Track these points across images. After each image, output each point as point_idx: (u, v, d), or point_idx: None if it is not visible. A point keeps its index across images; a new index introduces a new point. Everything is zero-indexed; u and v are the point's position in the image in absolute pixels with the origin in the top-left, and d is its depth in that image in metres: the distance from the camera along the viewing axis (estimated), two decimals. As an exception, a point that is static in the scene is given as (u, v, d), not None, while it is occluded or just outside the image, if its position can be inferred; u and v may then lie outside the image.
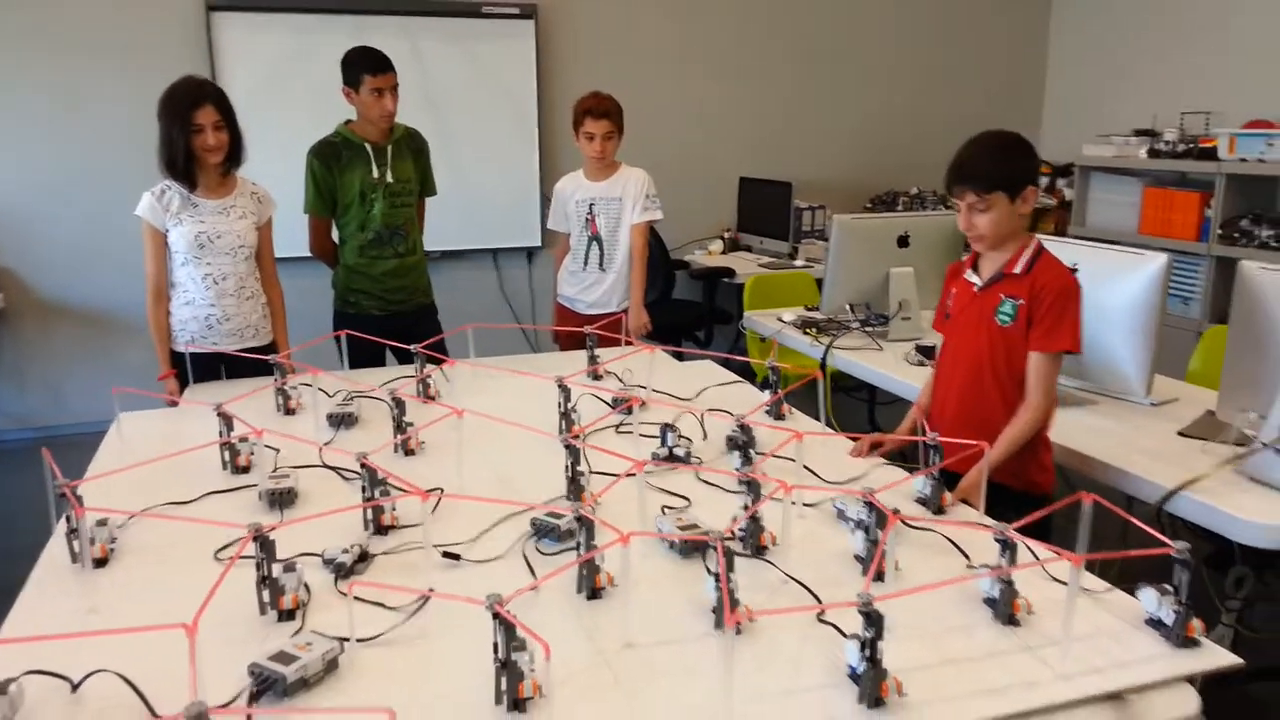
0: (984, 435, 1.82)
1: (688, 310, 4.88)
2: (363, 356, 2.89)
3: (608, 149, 3.33)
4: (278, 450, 2.07)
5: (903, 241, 3.24)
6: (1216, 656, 1.32)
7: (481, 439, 2.14)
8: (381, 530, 1.71)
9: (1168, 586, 1.38)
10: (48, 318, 4.57)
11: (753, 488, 1.62)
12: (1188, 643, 1.34)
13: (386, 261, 3.19)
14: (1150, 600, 1.39)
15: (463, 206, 4.86)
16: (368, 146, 3.11)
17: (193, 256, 2.68)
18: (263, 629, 1.40)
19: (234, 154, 2.67)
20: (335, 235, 3.27)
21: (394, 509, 1.73)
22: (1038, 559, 1.56)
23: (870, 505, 1.54)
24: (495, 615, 1.19)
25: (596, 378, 2.68)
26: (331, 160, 3.10)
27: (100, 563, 1.59)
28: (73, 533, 1.58)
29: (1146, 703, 1.25)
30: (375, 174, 3.11)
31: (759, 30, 5.37)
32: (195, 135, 2.57)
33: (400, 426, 2.09)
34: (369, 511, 1.71)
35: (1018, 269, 2.04)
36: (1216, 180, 4.47)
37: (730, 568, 1.36)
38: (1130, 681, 1.27)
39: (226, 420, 1.99)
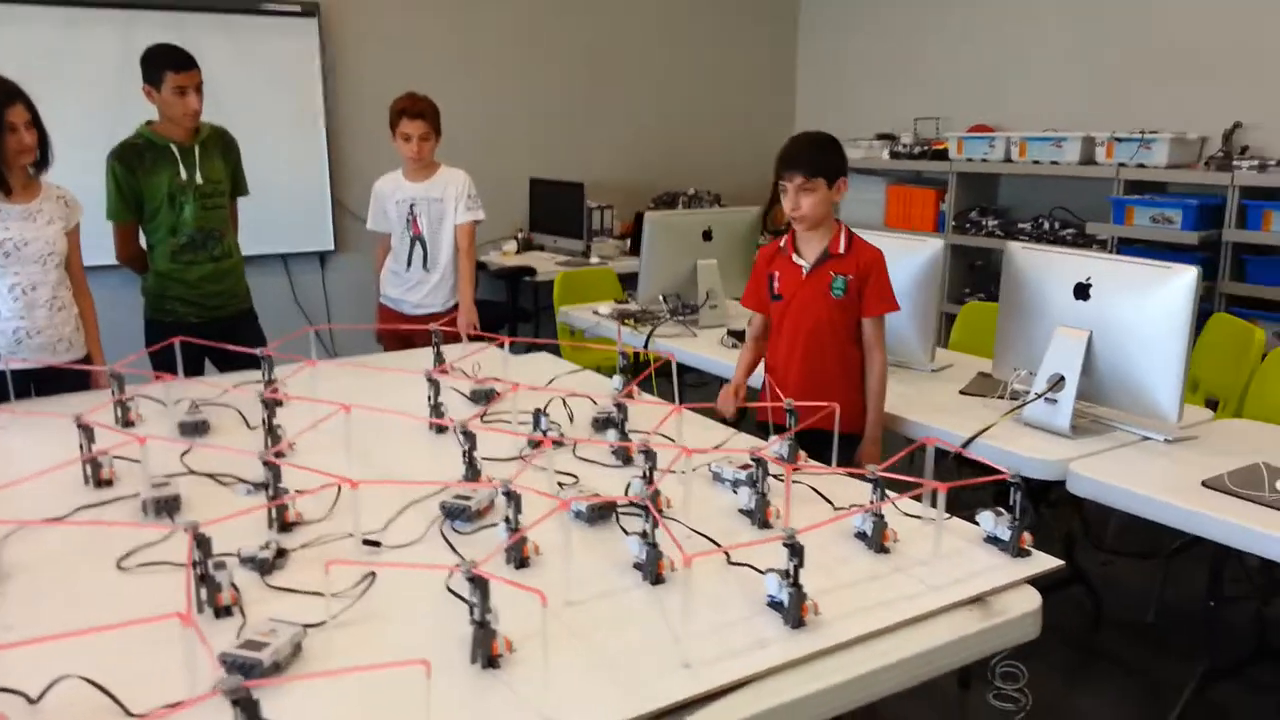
0: (827, 395, 2.10)
1: (491, 309, 4.94)
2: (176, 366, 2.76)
3: (424, 149, 3.37)
4: (137, 460, 1.98)
5: (707, 235, 3.52)
6: (1046, 561, 1.64)
7: (354, 435, 2.15)
8: (286, 528, 1.71)
9: (1001, 510, 1.68)
10: None
11: (650, 456, 1.78)
12: (1022, 553, 1.65)
13: (202, 266, 3.05)
14: (988, 521, 1.69)
15: (248, 210, 4.67)
16: (173, 147, 2.96)
17: None
18: (203, 627, 1.39)
19: (44, 155, 2.49)
20: (143, 240, 3.08)
21: (295, 506, 1.74)
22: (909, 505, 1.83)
23: (758, 461, 1.74)
24: (472, 578, 1.28)
25: (443, 374, 2.73)
26: (134, 163, 2.93)
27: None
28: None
29: (1002, 603, 1.53)
30: (183, 176, 2.97)
31: (544, 34, 5.53)
32: (8, 136, 2.37)
33: (272, 429, 2.06)
34: (273, 510, 1.71)
35: (841, 250, 2.41)
36: (949, 178, 5.14)
37: (656, 523, 1.52)
38: (986, 587, 1.55)
39: (87, 432, 1.89)
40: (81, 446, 1.89)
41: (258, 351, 2.40)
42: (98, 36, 4.30)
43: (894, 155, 5.45)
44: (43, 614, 1.44)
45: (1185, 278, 2.17)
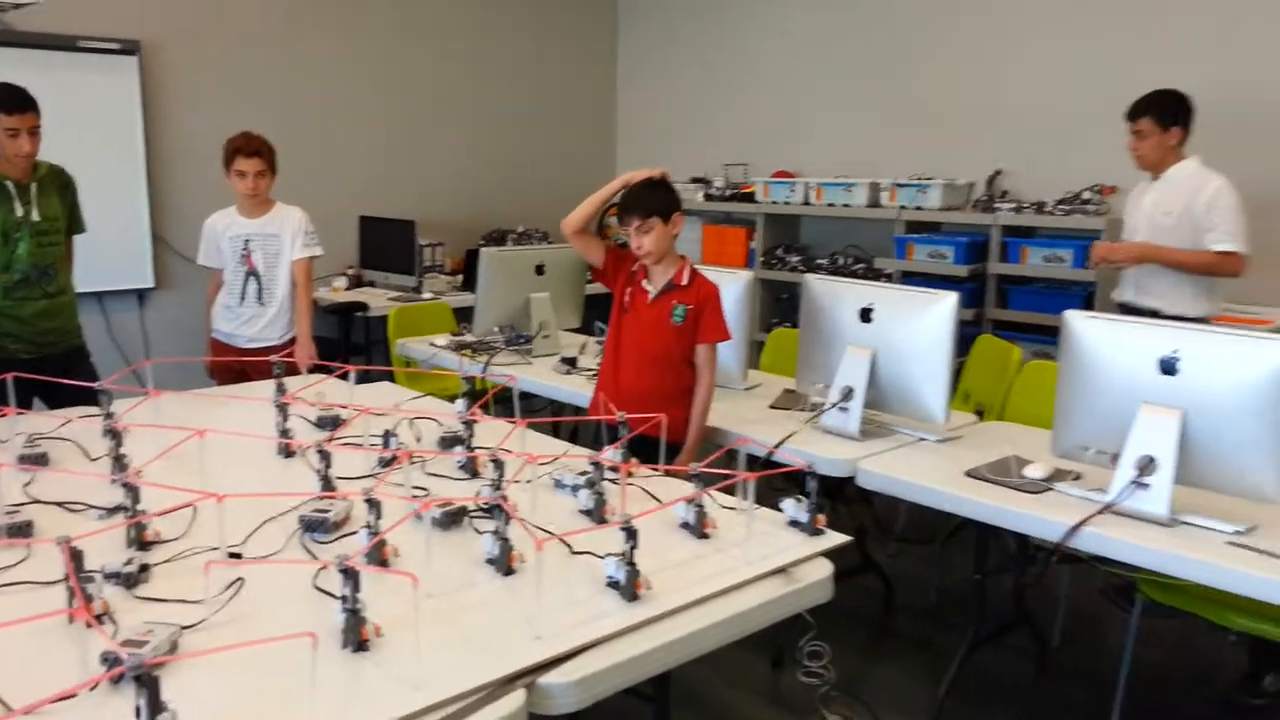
0: (659, 408, 2.35)
1: (324, 345, 4.94)
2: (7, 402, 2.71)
3: (260, 186, 3.43)
4: (-22, 493, 1.99)
5: (539, 270, 3.75)
6: (837, 538, 1.93)
7: (198, 461, 2.21)
8: (145, 546, 1.79)
9: (800, 497, 1.97)
10: None
11: (498, 465, 1.96)
12: (817, 532, 1.94)
13: (35, 303, 3.00)
14: (790, 507, 1.98)
15: (60, 246, 4.52)
16: (9, 184, 2.93)
17: None
18: (78, 637, 1.46)
19: None
20: None
21: (153, 525, 1.82)
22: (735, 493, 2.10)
23: (596, 465, 1.97)
24: (344, 570, 1.43)
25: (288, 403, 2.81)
26: None
27: None
28: None
29: (801, 572, 1.81)
30: (19, 212, 2.93)
31: (372, 75, 5.63)
32: None
33: (119, 459, 2.11)
34: (132, 530, 1.78)
35: (684, 282, 2.74)
36: (757, 218, 5.59)
37: (508, 518, 1.72)
38: (788, 559, 1.83)
39: (-73, 464, 1.89)
40: (-78, 478, 1.89)
41: (96, 385, 2.42)
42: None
43: (707, 197, 5.87)
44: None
45: (947, 303, 2.57)
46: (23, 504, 1.97)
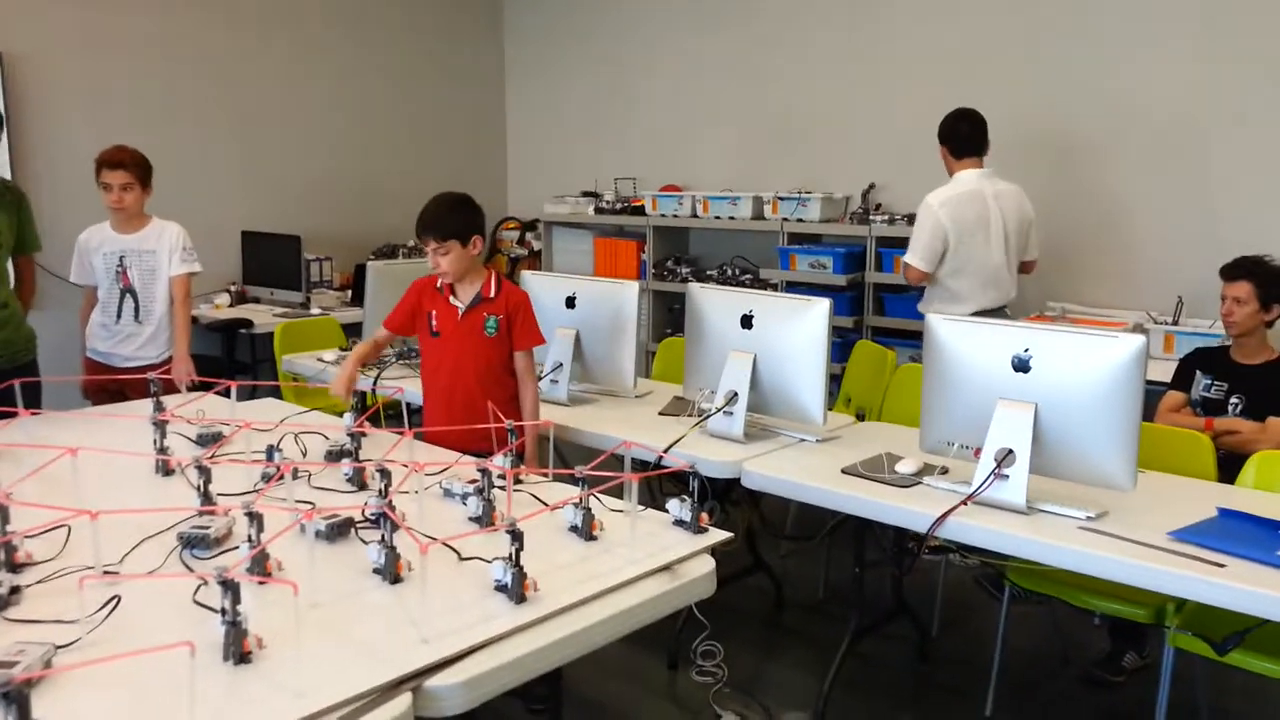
0: (483, 417, 2.40)
1: (207, 364, 4.80)
2: None
3: (125, 199, 3.34)
4: None
5: (428, 283, 3.74)
6: (718, 535, 2.00)
7: (72, 482, 2.15)
8: (15, 569, 1.73)
9: (684, 497, 2.04)
10: None
11: (385, 474, 1.97)
12: (701, 530, 2.01)
13: None
14: (675, 507, 2.04)
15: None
16: None
17: None
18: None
19: None
20: None
21: (24, 546, 1.76)
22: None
23: (484, 473, 2.00)
24: (224, 581, 1.42)
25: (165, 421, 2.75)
26: None
27: None
28: None
29: (685, 568, 1.88)
30: None
31: (251, 86, 5.50)
32: None
33: (-15, 479, 2.03)
34: (2, 551, 1.73)
35: (491, 294, 2.78)
36: (647, 231, 5.68)
37: (395, 526, 1.73)
38: (673, 557, 1.89)
39: None
40: None
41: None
42: None
43: (598, 210, 5.94)
44: None
45: (820, 308, 2.69)
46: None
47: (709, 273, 5.45)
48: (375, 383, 3.37)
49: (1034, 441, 2.23)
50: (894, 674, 3.08)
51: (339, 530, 1.93)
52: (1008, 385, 2.27)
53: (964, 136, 3.73)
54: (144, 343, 3.44)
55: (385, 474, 1.97)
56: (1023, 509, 2.21)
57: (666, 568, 1.86)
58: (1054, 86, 4.44)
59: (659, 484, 2.90)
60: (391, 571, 1.74)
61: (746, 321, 2.82)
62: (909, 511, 2.27)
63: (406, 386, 3.30)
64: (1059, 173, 4.44)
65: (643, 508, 2.09)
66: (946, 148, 3.78)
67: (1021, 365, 2.26)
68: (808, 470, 2.54)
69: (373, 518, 1.94)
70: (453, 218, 2.72)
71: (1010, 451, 2.23)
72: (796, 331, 2.72)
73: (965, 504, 2.23)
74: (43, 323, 4.68)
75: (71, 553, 1.82)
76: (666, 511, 2.07)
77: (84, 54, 4.84)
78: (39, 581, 1.69)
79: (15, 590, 1.63)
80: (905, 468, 2.45)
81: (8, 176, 4.50)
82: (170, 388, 3.23)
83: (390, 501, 1.86)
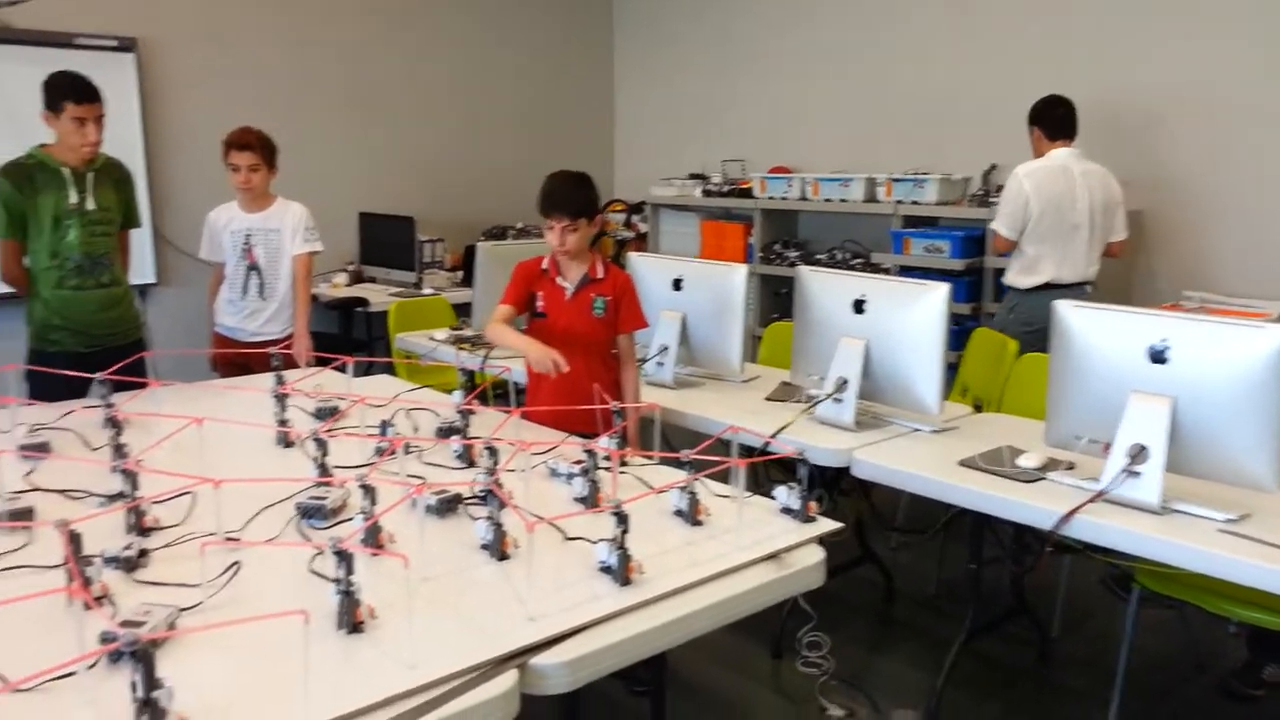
0: (589, 399, 2.41)
1: (325, 340, 4.97)
2: (61, 396, 2.72)
3: (253, 180, 3.45)
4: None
5: (536, 264, 3.76)
6: (828, 525, 1.95)
7: (198, 451, 2.23)
8: (144, 532, 1.81)
9: (793, 485, 1.99)
10: None
11: (493, 452, 1.98)
12: (809, 519, 1.96)
13: (90, 293, 3.05)
14: (783, 495, 2.00)
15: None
16: (65, 171, 2.99)
17: None
18: (77, 618, 1.48)
19: None
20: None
21: (151, 511, 1.84)
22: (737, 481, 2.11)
23: (590, 453, 1.99)
24: (339, 552, 1.45)
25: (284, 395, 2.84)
26: (22, 182, 2.94)
27: None
28: None
29: (793, 558, 1.83)
30: (74, 200, 2.99)
31: (373, 71, 5.65)
32: None
33: (119, 447, 2.12)
34: (131, 515, 1.80)
35: (599, 275, 2.78)
36: (754, 214, 5.60)
37: (501, 504, 1.73)
38: (780, 545, 1.84)
39: (-71, 452, 1.91)
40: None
41: (96, 377, 2.44)
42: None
43: (705, 193, 5.88)
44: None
45: (938, 293, 2.58)
46: (24, 491, 1.99)
47: (818, 257, 5.33)
48: (484, 362, 3.41)
49: (1170, 437, 2.09)
50: (1011, 675, 2.96)
51: (448, 505, 1.95)
52: (1142, 377, 2.14)
53: (1058, 119, 3.82)
54: (268, 319, 3.56)
55: (493, 452, 1.98)
56: (1156, 508, 2.08)
57: (773, 556, 1.81)
58: (1194, 55, 4.16)
59: (764, 470, 2.85)
60: (498, 548, 1.74)
61: (859, 306, 2.73)
62: (1032, 507, 2.16)
63: (513, 366, 3.33)
64: (1200, 156, 4.17)
65: (749, 494, 2.05)
66: (1039, 129, 3.87)
67: (1158, 356, 2.12)
68: (922, 461, 2.45)
69: (480, 494, 1.95)
70: (580, 195, 2.73)
71: (1144, 447, 2.10)
72: (912, 317, 2.62)
73: (1094, 501, 2.11)
74: (169, 299, 4.95)
75: (196, 519, 1.89)
76: (773, 499, 2.02)
77: (213, 39, 5.04)
78: (165, 546, 1.75)
79: (144, 553, 1.69)
80: (1028, 462, 2.34)
81: (140, 157, 4.73)
82: (291, 363, 3.34)
83: (498, 479, 1.87)
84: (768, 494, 2.04)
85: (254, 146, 3.45)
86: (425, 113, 5.93)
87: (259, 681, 1.33)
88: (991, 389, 3.50)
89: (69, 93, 2.94)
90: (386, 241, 5.45)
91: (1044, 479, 2.29)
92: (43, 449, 2.25)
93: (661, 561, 1.74)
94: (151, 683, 1.16)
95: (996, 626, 2.88)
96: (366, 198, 5.63)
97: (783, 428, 2.62)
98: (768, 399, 3.04)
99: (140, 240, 4.81)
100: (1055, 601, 3.18)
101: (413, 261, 5.29)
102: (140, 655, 1.16)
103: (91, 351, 3.05)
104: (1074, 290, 3.69)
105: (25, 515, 1.83)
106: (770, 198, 5.48)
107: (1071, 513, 2.08)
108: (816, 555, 1.85)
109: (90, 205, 3.05)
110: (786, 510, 1.98)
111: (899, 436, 2.67)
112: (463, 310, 4.41)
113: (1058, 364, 2.32)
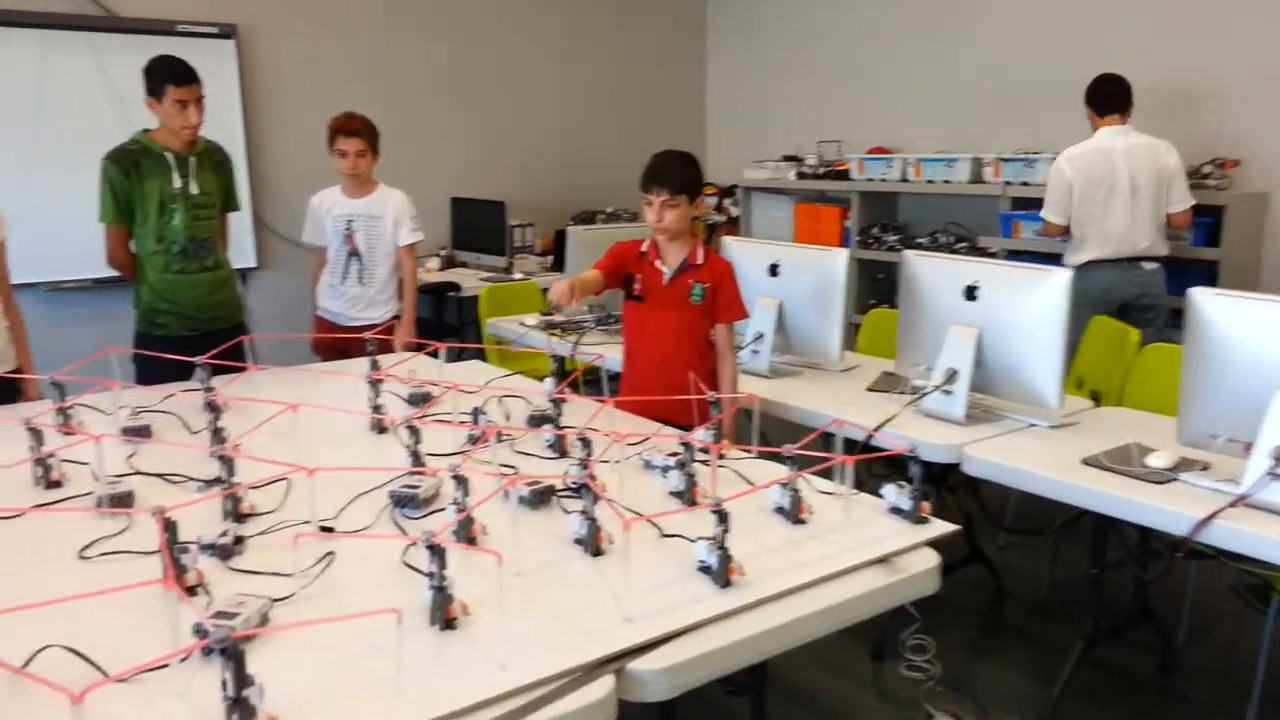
0: (684, 388, 2.29)
1: (418, 325, 5.00)
2: (167, 379, 2.77)
3: (360, 165, 3.47)
4: (83, 464, 2.04)
5: (628, 248, 3.69)
6: (942, 527, 1.83)
7: (293, 436, 2.23)
8: (240, 519, 1.80)
9: (902, 483, 1.87)
10: None
11: (586, 444, 1.91)
12: (921, 520, 1.84)
13: (195, 276, 3.11)
14: (891, 493, 1.88)
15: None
16: (169, 155, 3.04)
17: None
18: (172, 607, 1.47)
19: None
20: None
21: (248, 498, 1.83)
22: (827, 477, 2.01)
23: (687, 445, 1.90)
24: (431, 546, 1.40)
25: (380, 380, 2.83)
26: (129, 168, 3.00)
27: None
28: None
29: (904, 562, 1.72)
30: (178, 184, 3.04)
31: (464, 57, 5.66)
32: None
33: (217, 430, 2.13)
34: (228, 502, 1.80)
35: (698, 261, 2.66)
36: (851, 197, 5.42)
37: (595, 499, 1.67)
38: (891, 549, 1.73)
39: (36, 435, 1.94)
40: (31, 449, 1.94)
41: (198, 360, 2.46)
42: (13, 54, 4.30)
43: (800, 175, 5.73)
44: (11, 600, 1.49)
45: (1060, 279, 2.42)
46: (125, 475, 2.01)
47: (919, 240, 5.13)
48: (575, 348, 3.36)
49: (1324, 438, 1.90)
50: (1134, 684, 2.78)
51: (541, 497, 1.90)
52: (1294, 371, 1.95)
53: (1107, 95, 3.89)
54: (367, 304, 3.59)
55: (586, 443, 1.91)
56: (1307, 515, 1.89)
57: (884, 559, 1.71)
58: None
59: (866, 466, 2.72)
60: (593, 544, 1.68)
61: (970, 293, 2.58)
62: (1165, 510, 2.00)
63: (606, 353, 3.27)
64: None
65: (856, 492, 1.94)
66: (1091, 107, 3.93)
67: (1313, 348, 1.93)
68: (1041, 458, 2.29)
69: (574, 487, 1.89)
70: (684, 172, 2.63)
71: (1293, 448, 1.92)
72: (1030, 305, 2.45)
73: (1235, 505, 1.93)
74: (268, 282, 5.05)
75: (291, 506, 1.87)
76: (880, 497, 1.91)
77: (311, 26, 5.10)
78: (260, 533, 1.74)
79: (239, 540, 1.68)
80: (1158, 461, 2.17)
81: (240, 142, 4.82)
82: (386, 348, 3.33)
83: (592, 472, 1.80)
84: (872, 491, 1.93)
85: (361, 132, 3.47)
86: (516, 97, 5.91)
87: (348, 679, 1.29)
88: (1110, 381, 3.29)
89: (169, 76, 2.97)
90: (478, 226, 5.46)
91: (1177, 480, 2.11)
92: (144, 432, 2.27)
93: (763, 562, 1.65)
94: (242, 680, 1.13)
95: (1118, 633, 2.71)
96: (458, 182, 5.65)
97: (886, 420, 2.50)
98: (869, 389, 2.91)
99: (240, 225, 4.93)
100: (1181, 609, 2.98)
101: (504, 246, 5.29)
102: (231, 653, 1.12)
103: (196, 335, 3.09)
104: (1127, 266, 3.80)
105: (125, 500, 1.84)
106: (869, 179, 5.30)
107: (1209, 518, 1.92)
108: (930, 560, 1.73)
109: (194, 189, 3.09)
110: (895, 510, 1.87)
111: (1014, 432, 2.51)
112: (553, 295, 4.37)
113: (1193, 356, 2.14)
